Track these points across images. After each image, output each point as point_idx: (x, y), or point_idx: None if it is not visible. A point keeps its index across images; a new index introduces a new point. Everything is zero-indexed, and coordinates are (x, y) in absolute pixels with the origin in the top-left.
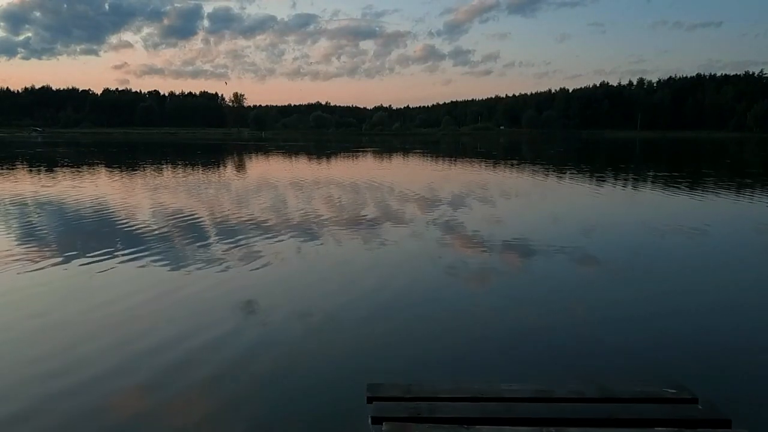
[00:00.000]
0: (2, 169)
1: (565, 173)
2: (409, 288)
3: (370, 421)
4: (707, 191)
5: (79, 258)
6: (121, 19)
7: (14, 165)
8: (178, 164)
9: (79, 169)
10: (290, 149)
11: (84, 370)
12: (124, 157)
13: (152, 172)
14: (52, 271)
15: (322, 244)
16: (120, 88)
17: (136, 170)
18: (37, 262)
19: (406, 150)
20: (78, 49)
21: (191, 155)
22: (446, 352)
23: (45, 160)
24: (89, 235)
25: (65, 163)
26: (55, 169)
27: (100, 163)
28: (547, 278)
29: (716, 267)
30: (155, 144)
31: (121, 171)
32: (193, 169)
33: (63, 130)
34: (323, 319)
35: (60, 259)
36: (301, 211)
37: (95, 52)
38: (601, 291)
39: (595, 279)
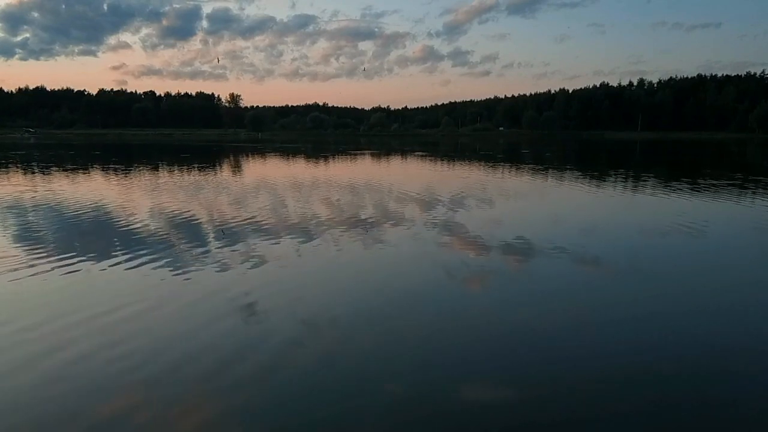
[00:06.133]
0: None
1: (604, 181)
2: (408, 289)
3: None
4: None
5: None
6: (119, 19)
7: None
8: (150, 168)
9: (37, 174)
10: (287, 151)
11: (82, 371)
12: (106, 160)
13: (118, 178)
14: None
15: (320, 245)
16: (116, 89)
17: (107, 174)
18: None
19: (405, 151)
20: (76, 50)
21: (177, 158)
22: (446, 353)
23: (19, 164)
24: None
25: (29, 169)
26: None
27: (72, 168)
28: (548, 280)
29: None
30: (146, 146)
31: (92, 175)
32: (168, 175)
33: (57, 131)
34: (322, 321)
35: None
36: (300, 215)
37: (93, 53)
38: (601, 292)
39: (596, 280)
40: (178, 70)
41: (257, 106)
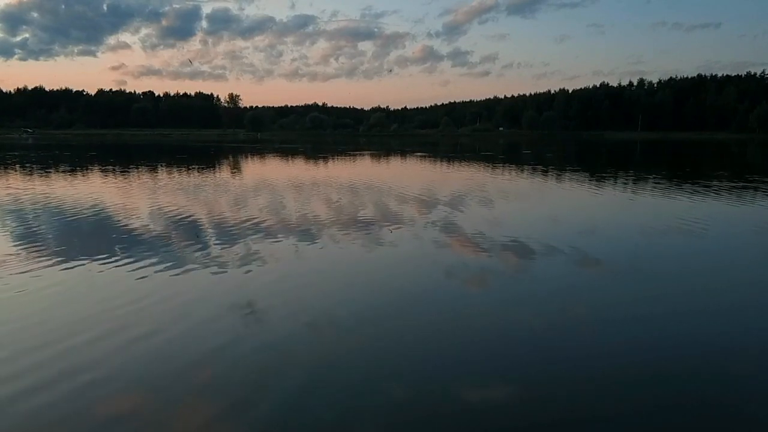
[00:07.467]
0: None
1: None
2: (409, 290)
3: None
4: None
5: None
6: (119, 20)
7: None
8: (147, 170)
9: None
10: (286, 151)
11: (83, 372)
12: (103, 162)
13: (113, 181)
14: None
15: (321, 246)
16: (115, 89)
17: (103, 177)
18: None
19: (404, 152)
20: (75, 51)
21: (174, 159)
22: (446, 354)
23: (14, 166)
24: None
25: (24, 171)
26: None
27: (66, 170)
28: (548, 280)
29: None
30: (144, 146)
31: (88, 178)
32: (165, 177)
33: (55, 131)
34: (323, 321)
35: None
36: (300, 216)
37: (93, 53)
38: (601, 292)
39: (597, 280)
40: (178, 70)
41: (256, 107)
